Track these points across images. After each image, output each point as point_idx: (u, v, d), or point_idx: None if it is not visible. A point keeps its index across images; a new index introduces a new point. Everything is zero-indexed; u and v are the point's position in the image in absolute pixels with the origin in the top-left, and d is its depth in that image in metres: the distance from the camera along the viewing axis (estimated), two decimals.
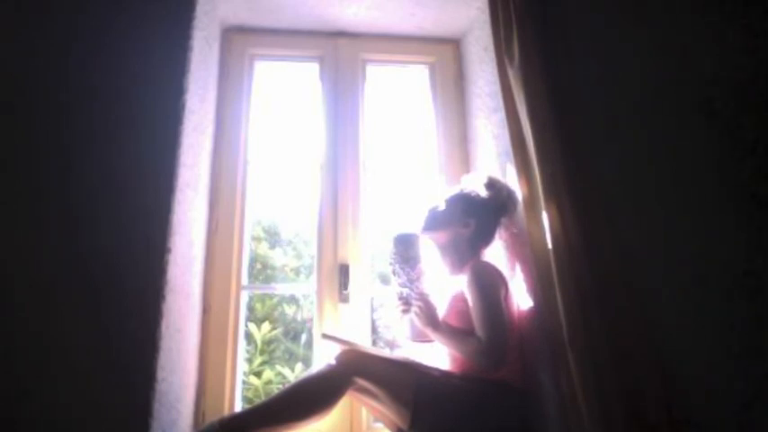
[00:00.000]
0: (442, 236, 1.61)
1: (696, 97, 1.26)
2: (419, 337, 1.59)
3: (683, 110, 1.28)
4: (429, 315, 1.46)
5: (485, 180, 1.64)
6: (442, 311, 1.52)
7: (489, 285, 1.47)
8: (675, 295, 1.24)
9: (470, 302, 1.46)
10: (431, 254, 1.63)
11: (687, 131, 1.27)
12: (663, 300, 1.26)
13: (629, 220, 1.35)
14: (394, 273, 1.52)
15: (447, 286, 1.59)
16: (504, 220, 1.63)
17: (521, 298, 1.55)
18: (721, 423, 1.14)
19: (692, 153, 1.25)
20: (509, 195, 1.62)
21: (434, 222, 1.61)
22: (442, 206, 1.62)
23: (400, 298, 1.50)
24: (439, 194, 1.69)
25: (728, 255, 1.17)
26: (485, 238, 1.62)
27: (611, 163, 1.40)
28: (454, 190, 1.66)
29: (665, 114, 1.32)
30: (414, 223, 1.63)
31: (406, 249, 1.51)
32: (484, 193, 1.61)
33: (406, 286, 1.50)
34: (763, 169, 1.16)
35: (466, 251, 1.59)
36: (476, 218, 1.59)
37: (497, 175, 1.71)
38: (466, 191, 1.63)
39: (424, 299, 1.47)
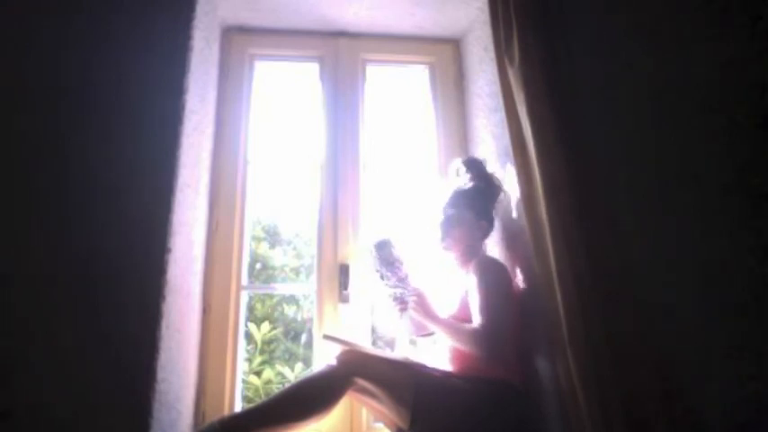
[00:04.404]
0: (458, 235, 1.62)
1: (696, 97, 1.26)
2: (420, 331, 1.63)
3: (684, 109, 1.28)
4: (425, 307, 1.51)
5: (465, 169, 1.67)
6: (449, 307, 1.55)
7: (498, 280, 1.49)
8: (676, 295, 1.24)
9: (474, 292, 1.47)
10: (411, 252, 1.66)
11: (687, 131, 1.27)
12: (663, 300, 1.26)
13: (629, 220, 1.35)
14: (382, 277, 1.56)
15: (450, 284, 1.61)
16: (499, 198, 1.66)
17: (521, 297, 1.56)
18: (721, 423, 1.14)
19: (693, 153, 1.25)
20: (492, 176, 1.66)
21: (451, 229, 1.62)
22: (449, 211, 1.62)
23: (395, 299, 1.55)
24: (437, 201, 1.70)
25: (730, 255, 1.17)
26: (490, 222, 1.65)
27: (611, 163, 1.40)
28: (448, 192, 1.66)
29: (665, 114, 1.32)
30: (419, 230, 1.67)
31: (388, 253, 1.55)
32: (472, 182, 1.63)
33: (398, 286, 1.54)
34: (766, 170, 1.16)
35: (477, 240, 1.63)
36: (475, 209, 1.62)
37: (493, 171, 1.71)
38: (461, 188, 1.64)
39: (417, 293, 1.52)
